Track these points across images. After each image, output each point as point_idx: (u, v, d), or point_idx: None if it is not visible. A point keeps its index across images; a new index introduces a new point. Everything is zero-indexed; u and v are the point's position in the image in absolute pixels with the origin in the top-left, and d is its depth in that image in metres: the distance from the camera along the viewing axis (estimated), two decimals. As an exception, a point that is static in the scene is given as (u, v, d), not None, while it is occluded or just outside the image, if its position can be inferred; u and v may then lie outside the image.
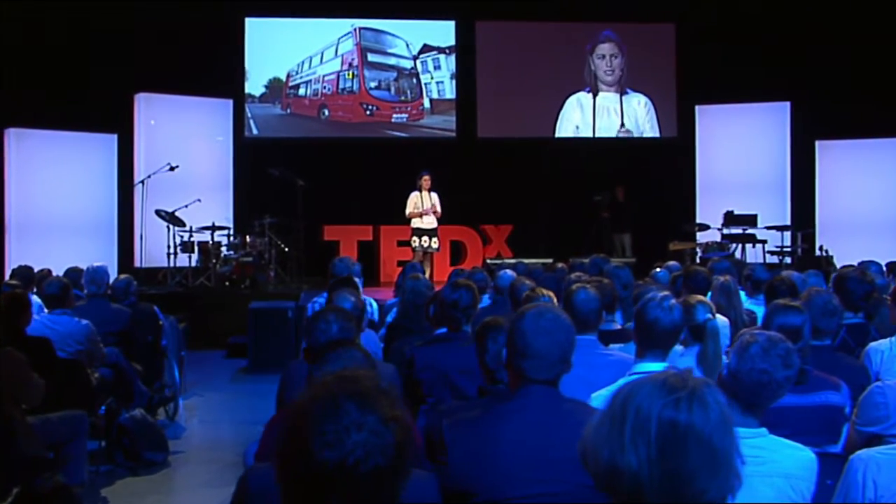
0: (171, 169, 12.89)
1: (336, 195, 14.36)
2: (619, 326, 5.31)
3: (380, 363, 4.61)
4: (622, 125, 15.84)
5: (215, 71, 14.22)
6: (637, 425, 1.62)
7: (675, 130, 15.80)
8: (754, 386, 2.77)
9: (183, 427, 7.88)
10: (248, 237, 12.95)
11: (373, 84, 15.38)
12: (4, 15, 12.13)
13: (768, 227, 13.83)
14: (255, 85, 15.21)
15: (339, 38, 15.27)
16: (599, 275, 6.58)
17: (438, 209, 12.46)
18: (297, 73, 15.25)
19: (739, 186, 14.89)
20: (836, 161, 14.80)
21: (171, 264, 12.83)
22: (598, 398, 3.21)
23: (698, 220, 14.78)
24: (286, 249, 13.44)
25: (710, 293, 5.68)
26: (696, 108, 15.50)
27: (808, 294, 4.46)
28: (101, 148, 13.60)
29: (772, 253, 13.81)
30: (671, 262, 8.80)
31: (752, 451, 2.61)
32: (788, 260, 13.54)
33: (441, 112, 15.62)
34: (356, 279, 6.77)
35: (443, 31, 15.64)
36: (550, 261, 10.99)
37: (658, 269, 7.76)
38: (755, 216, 13.86)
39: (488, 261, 12.96)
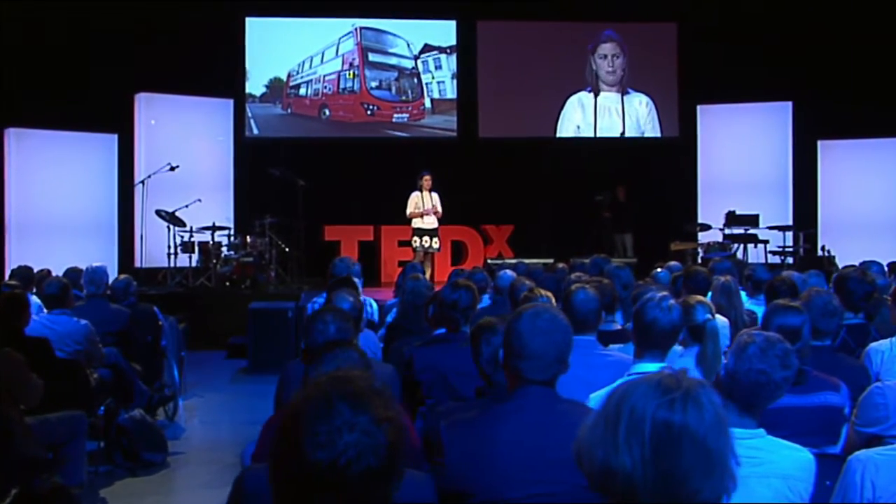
0: (172, 169, 12.88)
1: (337, 195, 14.35)
2: (619, 327, 5.29)
3: (378, 364, 4.61)
4: (622, 134, 15.80)
5: (216, 71, 14.21)
6: (631, 426, 1.61)
7: (677, 130, 15.77)
8: (752, 386, 2.76)
9: (182, 428, 7.87)
10: (248, 237, 12.93)
11: (374, 84, 15.37)
12: (4, 15, 12.15)
13: (770, 228, 13.80)
14: (255, 85, 15.20)
15: (339, 38, 15.26)
16: (600, 275, 6.58)
17: (439, 209, 12.45)
18: (297, 72, 15.24)
19: (741, 186, 14.87)
20: (839, 161, 14.77)
21: (172, 264, 12.82)
22: (597, 399, 3.19)
23: (700, 220, 14.76)
24: (287, 250, 13.42)
25: (710, 293, 5.66)
26: (698, 107, 15.47)
27: (808, 294, 4.44)
28: (101, 148, 13.60)
29: (774, 253, 13.78)
30: (672, 263, 8.78)
31: (750, 451, 2.62)
32: (790, 260, 13.52)
33: (442, 112, 15.60)
34: (356, 279, 6.75)
35: (444, 31, 15.63)
36: (551, 261, 10.96)
37: (659, 270, 7.75)
38: (757, 216, 13.83)
39: (489, 261, 12.94)
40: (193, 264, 12.86)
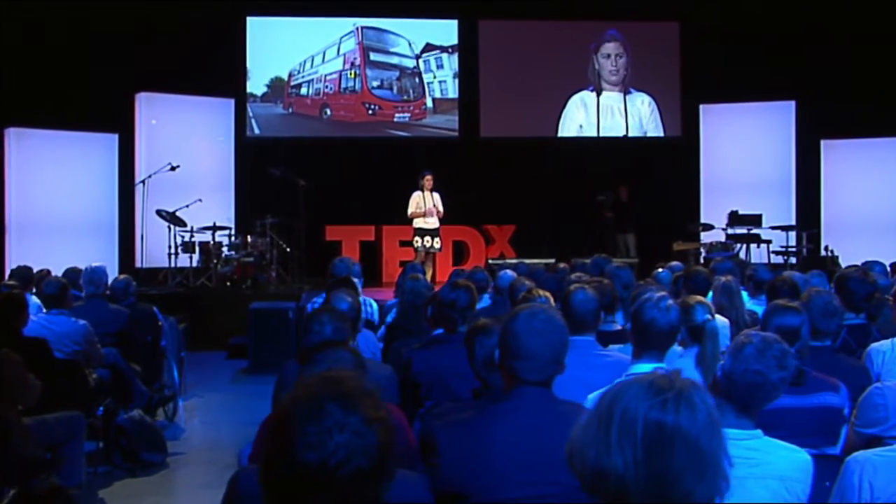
0: (172, 169, 12.88)
1: (338, 195, 14.34)
2: (619, 327, 5.26)
3: (377, 364, 4.60)
4: (624, 135, 15.78)
5: (216, 70, 14.21)
6: (623, 426, 1.60)
7: (680, 130, 15.75)
8: (749, 387, 2.74)
9: (182, 428, 7.86)
10: (249, 237, 12.93)
11: (375, 83, 15.35)
12: (4, 15, 12.15)
13: (773, 227, 13.76)
14: (256, 84, 15.19)
15: (341, 38, 15.26)
16: (601, 275, 6.56)
17: (441, 209, 12.43)
18: (298, 72, 15.24)
19: (744, 186, 14.84)
20: (842, 160, 14.75)
21: (172, 265, 12.81)
22: (594, 399, 3.16)
23: (702, 220, 14.73)
24: (288, 250, 13.42)
25: (710, 293, 5.64)
26: (701, 107, 15.45)
27: (809, 294, 4.43)
28: (101, 148, 13.60)
29: (776, 253, 13.75)
30: (674, 263, 8.74)
31: (747, 452, 2.62)
32: (793, 260, 13.49)
33: (444, 111, 15.59)
34: (356, 279, 6.75)
35: (445, 30, 15.62)
36: (553, 261, 10.94)
37: (660, 270, 7.72)
38: (760, 216, 13.80)
39: (490, 261, 12.91)
40: (194, 264, 12.85)
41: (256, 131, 15.12)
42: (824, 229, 14.42)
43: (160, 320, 7.79)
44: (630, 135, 15.80)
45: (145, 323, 7.60)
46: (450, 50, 15.61)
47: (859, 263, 7.74)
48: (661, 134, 15.83)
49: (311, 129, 15.22)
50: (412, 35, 15.53)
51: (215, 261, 12.68)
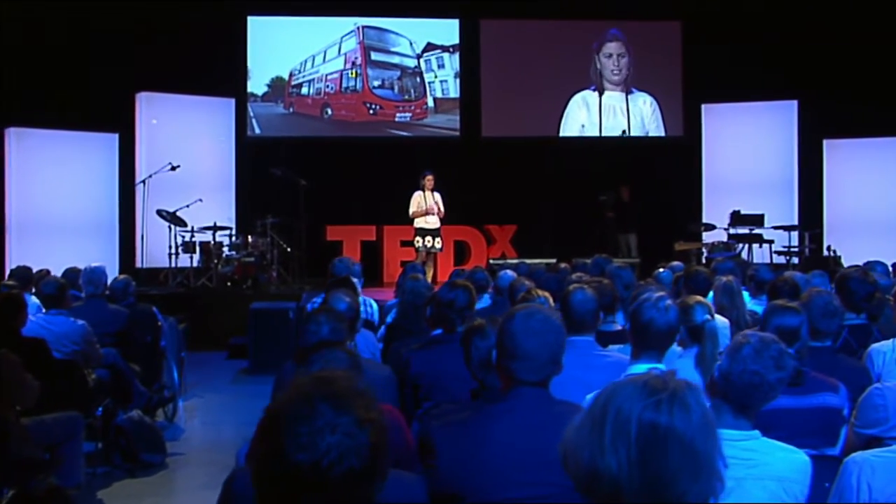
0: (173, 168, 12.87)
1: (339, 195, 14.33)
2: (619, 327, 5.24)
3: (376, 365, 4.59)
4: (623, 132, 15.76)
5: (217, 70, 14.20)
6: (617, 427, 1.59)
7: (682, 129, 15.73)
8: (746, 388, 2.73)
9: (182, 429, 7.85)
10: (250, 237, 12.92)
11: (376, 83, 15.34)
12: (4, 15, 12.14)
13: (775, 227, 13.74)
14: (257, 84, 15.18)
15: (342, 37, 15.25)
16: (601, 275, 6.54)
17: (442, 209, 12.40)
18: (299, 71, 15.23)
19: (746, 186, 14.82)
20: (845, 160, 14.72)
21: (173, 265, 12.80)
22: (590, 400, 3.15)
23: (704, 220, 14.71)
24: (288, 250, 13.41)
25: (711, 293, 5.62)
26: (703, 106, 15.43)
27: (809, 294, 4.41)
28: (102, 147, 13.60)
29: (779, 253, 13.72)
30: (675, 263, 8.73)
31: (744, 453, 2.62)
32: (796, 260, 13.46)
33: (445, 111, 15.58)
34: (355, 280, 6.74)
35: (447, 30, 15.61)
36: (554, 261, 10.92)
37: (661, 270, 7.71)
38: (762, 216, 13.77)
39: (491, 261, 12.89)
40: (195, 264, 12.83)
41: (257, 131, 15.11)
42: (827, 229, 14.38)
43: (160, 320, 7.78)
44: (632, 134, 15.76)
45: (145, 323, 7.60)
46: (451, 49, 15.59)
47: (861, 263, 7.72)
48: (663, 134, 15.80)
49: (312, 129, 15.20)
50: (413, 34, 15.52)
51: (216, 261, 12.66)
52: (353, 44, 15.26)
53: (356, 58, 15.26)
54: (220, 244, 12.85)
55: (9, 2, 12.11)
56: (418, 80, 15.54)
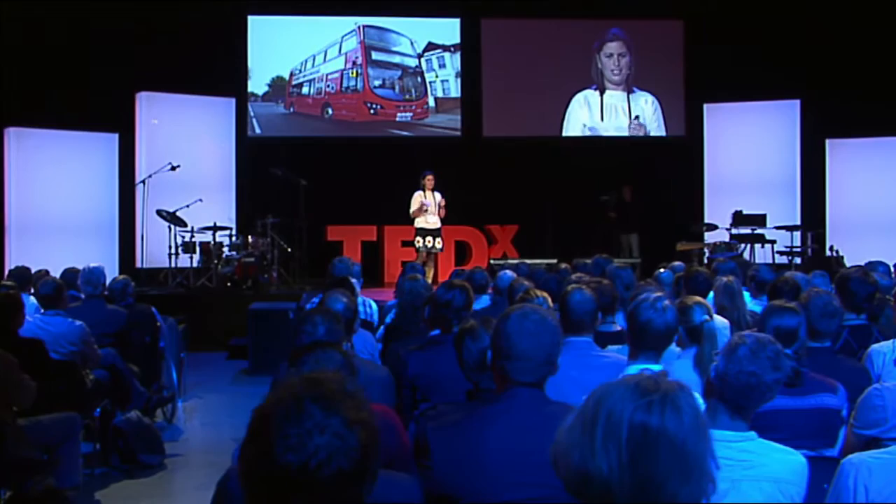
0: (173, 168, 12.87)
1: (339, 195, 14.30)
2: (618, 328, 5.22)
3: (373, 366, 4.57)
4: (636, 118, 15.72)
5: (217, 69, 14.18)
6: (608, 429, 1.59)
7: (683, 129, 15.70)
8: (742, 388, 2.71)
9: (181, 429, 7.85)
10: (250, 237, 12.91)
11: (377, 82, 15.32)
12: (4, 15, 12.14)
13: (778, 227, 13.71)
14: (257, 83, 15.17)
15: (342, 36, 15.23)
16: (602, 275, 6.52)
17: (444, 207, 12.36)
18: (300, 71, 15.22)
19: (748, 186, 14.80)
20: (847, 160, 14.68)
21: (173, 265, 12.79)
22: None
23: (706, 220, 14.68)
24: (289, 250, 13.40)
25: (712, 294, 5.60)
26: (705, 106, 15.40)
27: (808, 295, 4.39)
28: (102, 147, 13.58)
29: (781, 253, 13.69)
30: (676, 263, 8.70)
31: (741, 454, 2.61)
32: (798, 260, 13.42)
33: (446, 111, 15.56)
34: (354, 280, 6.72)
35: (448, 29, 15.59)
36: (555, 261, 10.90)
37: (662, 270, 7.69)
38: (764, 216, 13.76)
39: (492, 261, 12.86)
40: (195, 265, 12.82)
41: (257, 131, 15.10)
42: (829, 229, 14.35)
43: (158, 321, 7.75)
44: (633, 134, 15.74)
45: (144, 323, 7.57)
46: (452, 49, 15.57)
47: (863, 264, 7.69)
48: (665, 133, 15.77)
49: (313, 129, 15.19)
50: (414, 34, 15.50)
51: (216, 261, 12.65)
52: (354, 43, 15.24)
53: (357, 57, 15.25)
54: (221, 244, 12.84)
55: (9, 2, 12.11)
56: (419, 79, 15.52)
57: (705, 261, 12.80)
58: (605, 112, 15.76)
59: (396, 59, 15.45)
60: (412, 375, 4.51)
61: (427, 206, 12.26)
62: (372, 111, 15.29)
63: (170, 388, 7.96)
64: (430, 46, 15.53)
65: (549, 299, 4.75)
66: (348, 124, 15.27)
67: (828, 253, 13.22)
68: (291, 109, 15.22)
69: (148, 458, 6.59)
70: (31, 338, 5.90)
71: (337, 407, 1.63)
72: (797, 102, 14.90)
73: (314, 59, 15.20)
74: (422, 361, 4.54)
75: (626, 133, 15.78)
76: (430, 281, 9.46)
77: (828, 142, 14.67)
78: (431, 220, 12.35)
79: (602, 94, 15.76)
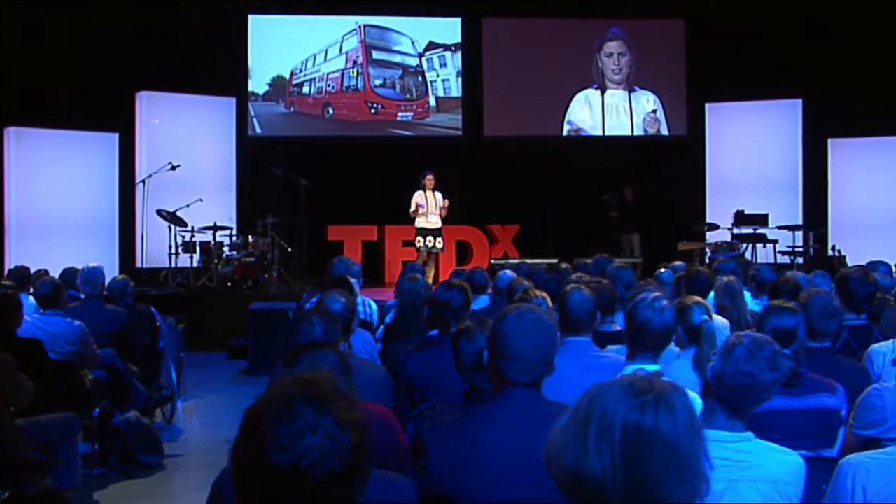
0: (173, 168, 12.86)
1: (340, 194, 14.29)
2: (618, 328, 5.20)
3: (371, 366, 4.55)
4: (653, 112, 15.70)
5: (218, 69, 14.18)
6: (602, 429, 1.59)
7: (685, 129, 15.69)
8: (739, 388, 2.69)
9: (180, 430, 7.84)
10: (250, 237, 12.90)
11: (378, 82, 15.31)
12: (4, 15, 12.14)
13: (779, 227, 13.70)
14: (258, 83, 15.16)
15: (343, 36, 15.22)
16: (602, 275, 6.50)
17: (445, 207, 12.34)
18: (300, 70, 15.21)
19: (750, 185, 14.79)
20: (849, 159, 14.67)
21: (173, 265, 12.78)
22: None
23: (708, 220, 14.66)
24: (289, 250, 13.39)
25: (713, 294, 5.58)
26: (706, 105, 15.38)
27: (808, 295, 4.38)
28: (102, 147, 13.59)
29: (783, 253, 13.68)
30: (676, 263, 8.70)
31: (738, 455, 2.60)
32: (800, 260, 13.40)
33: (447, 110, 15.55)
34: (354, 280, 6.69)
35: (449, 29, 15.58)
36: (556, 261, 10.88)
37: (662, 270, 7.67)
38: (766, 216, 13.74)
39: (492, 261, 12.85)
40: (195, 264, 12.81)
41: (258, 130, 15.09)
42: (831, 229, 14.34)
43: (158, 321, 7.75)
44: (634, 134, 15.72)
45: (143, 323, 7.57)
46: (453, 48, 15.56)
47: (865, 263, 7.67)
48: (667, 133, 15.75)
49: (313, 128, 15.18)
50: (415, 33, 15.49)
51: (216, 261, 12.64)
52: (355, 42, 15.23)
53: (357, 57, 15.23)
54: (221, 244, 12.82)
55: (9, 2, 12.11)
56: (420, 79, 15.51)
57: (707, 261, 12.78)
58: (606, 112, 15.74)
59: (397, 59, 15.44)
60: (410, 375, 4.50)
61: (423, 207, 12.23)
62: (373, 111, 15.27)
63: (169, 388, 7.95)
64: (431, 46, 15.52)
65: (549, 299, 4.75)
66: (349, 124, 15.25)
67: (830, 253, 13.22)
68: (292, 109, 15.20)
69: (147, 458, 6.58)
70: (29, 338, 5.90)
71: (328, 407, 1.63)
72: (799, 102, 14.88)
73: (315, 59, 15.19)
74: (420, 361, 4.54)
75: (627, 132, 15.75)
76: (430, 281, 9.45)
77: (830, 141, 14.65)
78: (432, 220, 12.33)
79: (603, 93, 15.75)
